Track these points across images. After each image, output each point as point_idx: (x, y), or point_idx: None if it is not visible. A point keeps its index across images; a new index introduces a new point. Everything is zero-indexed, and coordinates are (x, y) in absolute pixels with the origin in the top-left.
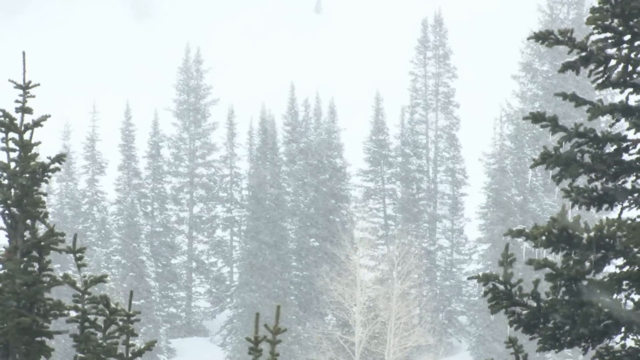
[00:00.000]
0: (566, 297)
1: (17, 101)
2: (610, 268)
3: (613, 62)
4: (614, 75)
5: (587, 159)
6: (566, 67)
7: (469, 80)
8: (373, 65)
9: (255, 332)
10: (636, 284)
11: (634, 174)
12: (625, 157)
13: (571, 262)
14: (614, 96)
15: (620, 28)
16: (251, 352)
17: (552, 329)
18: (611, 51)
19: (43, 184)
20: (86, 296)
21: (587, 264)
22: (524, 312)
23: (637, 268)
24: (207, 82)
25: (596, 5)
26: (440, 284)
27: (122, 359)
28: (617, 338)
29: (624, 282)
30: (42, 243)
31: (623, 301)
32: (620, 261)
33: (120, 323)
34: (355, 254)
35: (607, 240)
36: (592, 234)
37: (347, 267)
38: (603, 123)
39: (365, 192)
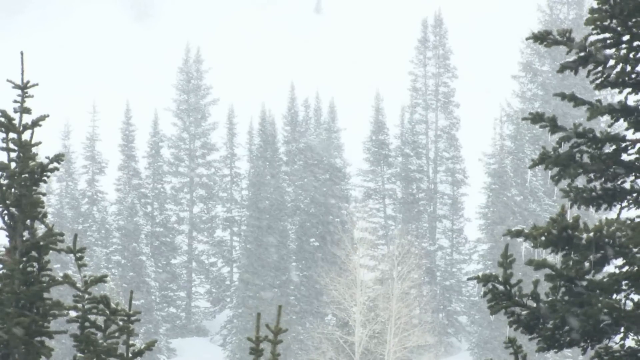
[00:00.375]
0: (566, 298)
1: (15, 101)
2: (610, 268)
3: (612, 62)
4: (613, 75)
5: (586, 159)
6: (565, 67)
7: (469, 80)
8: (373, 65)
9: (257, 332)
10: (636, 284)
11: (633, 174)
12: (624, 157)
13: (571, 263)
14: (614, 96)
15: (619, 28)
16: (252, 352)
17: (552, 329)
18: (610, 51)
19: (42, 184)
20: (86, 296)
21: (587, 264)
22: (524, 312)
23: (636, 268)
24: (207, 82)
25: (595, 6)
26: (440, 284)
27: (123, 359)
28: (617, 338)
29: (624, 282)
30: (41, 243)
31: (623, 301)
32: (619, 261)
33: (121, 323)
34: (355, 254)
35: (606, 240)
36: (591, 234)
37: (347, 267)
38: (603, 123)
39: (365, 192)
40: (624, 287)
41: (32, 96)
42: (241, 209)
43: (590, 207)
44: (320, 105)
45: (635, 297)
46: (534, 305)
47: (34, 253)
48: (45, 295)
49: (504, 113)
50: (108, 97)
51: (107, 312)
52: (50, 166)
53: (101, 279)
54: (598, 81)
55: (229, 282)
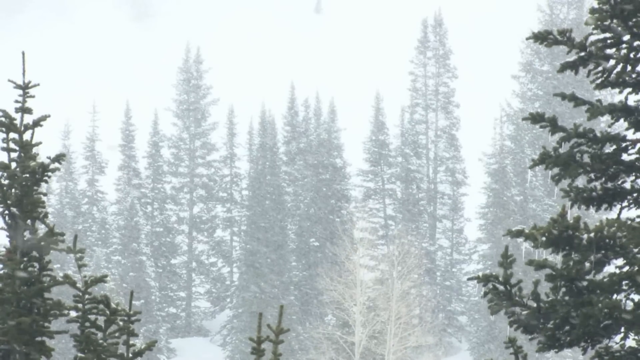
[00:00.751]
0: (566, 298)
1: (16, 101)
2: (610, 268)
3: (612, 62)
4: (613, 75)
5: (586, 159)
6: (565, 67)
7: (469, 80)
8: (373, 65)
9: (258, 332)
10: (636, 284)
11: (633, 174)
12: (625, 157)
13: (571, 263)
14: (614, 96)
15: (619, 28)
16: (254, 352)
17: (552, 329)
18: (610, 51)
19: (43, 184)
20: (86, 296)
21: (587, 264)
22: (524, 312)
23: (637, 268)
24: (207, 82)
25: (595, 5)
26: (441, 284)
27: (123, 359)
28: (617, 338)
29: (624, 283)
30: (42, 243)
31: (623, 301)
32: (620, 261)
33: (121, 323)
34: (355, 254)
35: (607, 240)
36: (592, 234)
37: (347, 267)
38: (603, 123)
39: (365, 192)
40: (624, 287)
41: (34, 96)
42: (241, 209)
43: (591, 207)
44: (320, 105)
45: (636, 297)
46: (535, 305)
47: (34, 253)
48: (46, 295)
49: (504, 113)
50: (108, 97)
51: (108, 312)
52: (52, 166)
53: (101, 279)
54: (598, 81)
55: (229, 282)
